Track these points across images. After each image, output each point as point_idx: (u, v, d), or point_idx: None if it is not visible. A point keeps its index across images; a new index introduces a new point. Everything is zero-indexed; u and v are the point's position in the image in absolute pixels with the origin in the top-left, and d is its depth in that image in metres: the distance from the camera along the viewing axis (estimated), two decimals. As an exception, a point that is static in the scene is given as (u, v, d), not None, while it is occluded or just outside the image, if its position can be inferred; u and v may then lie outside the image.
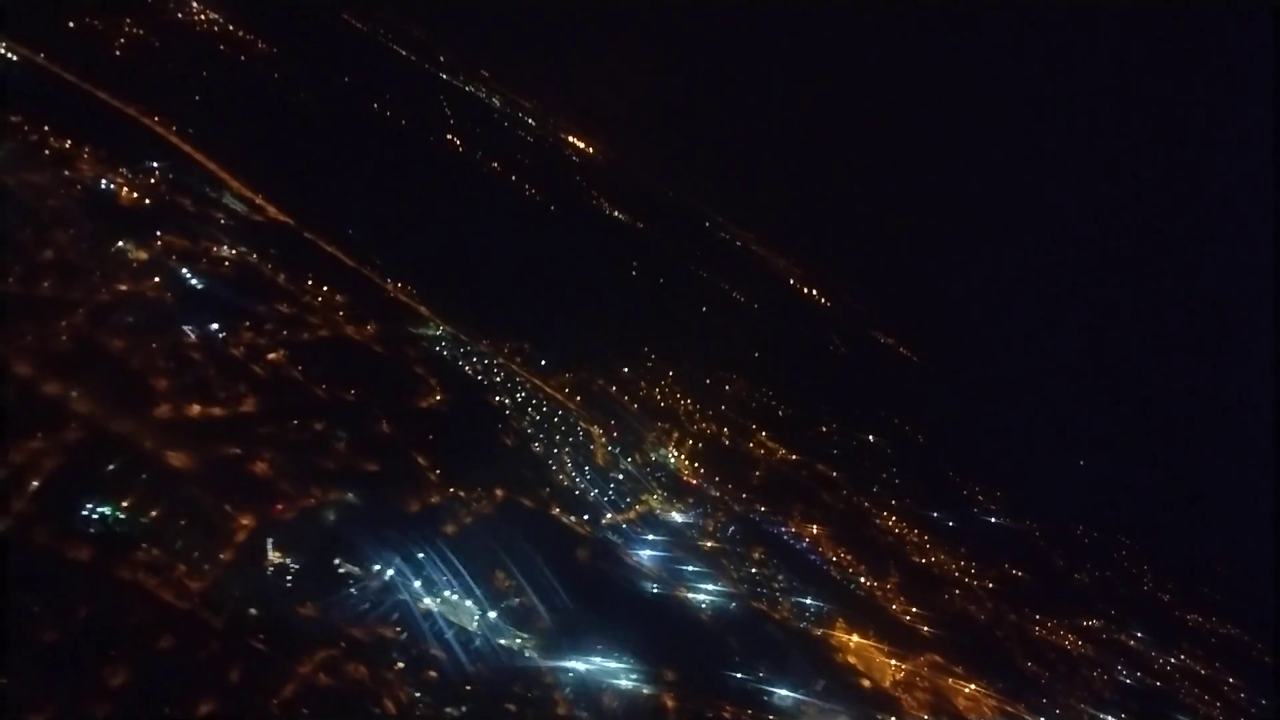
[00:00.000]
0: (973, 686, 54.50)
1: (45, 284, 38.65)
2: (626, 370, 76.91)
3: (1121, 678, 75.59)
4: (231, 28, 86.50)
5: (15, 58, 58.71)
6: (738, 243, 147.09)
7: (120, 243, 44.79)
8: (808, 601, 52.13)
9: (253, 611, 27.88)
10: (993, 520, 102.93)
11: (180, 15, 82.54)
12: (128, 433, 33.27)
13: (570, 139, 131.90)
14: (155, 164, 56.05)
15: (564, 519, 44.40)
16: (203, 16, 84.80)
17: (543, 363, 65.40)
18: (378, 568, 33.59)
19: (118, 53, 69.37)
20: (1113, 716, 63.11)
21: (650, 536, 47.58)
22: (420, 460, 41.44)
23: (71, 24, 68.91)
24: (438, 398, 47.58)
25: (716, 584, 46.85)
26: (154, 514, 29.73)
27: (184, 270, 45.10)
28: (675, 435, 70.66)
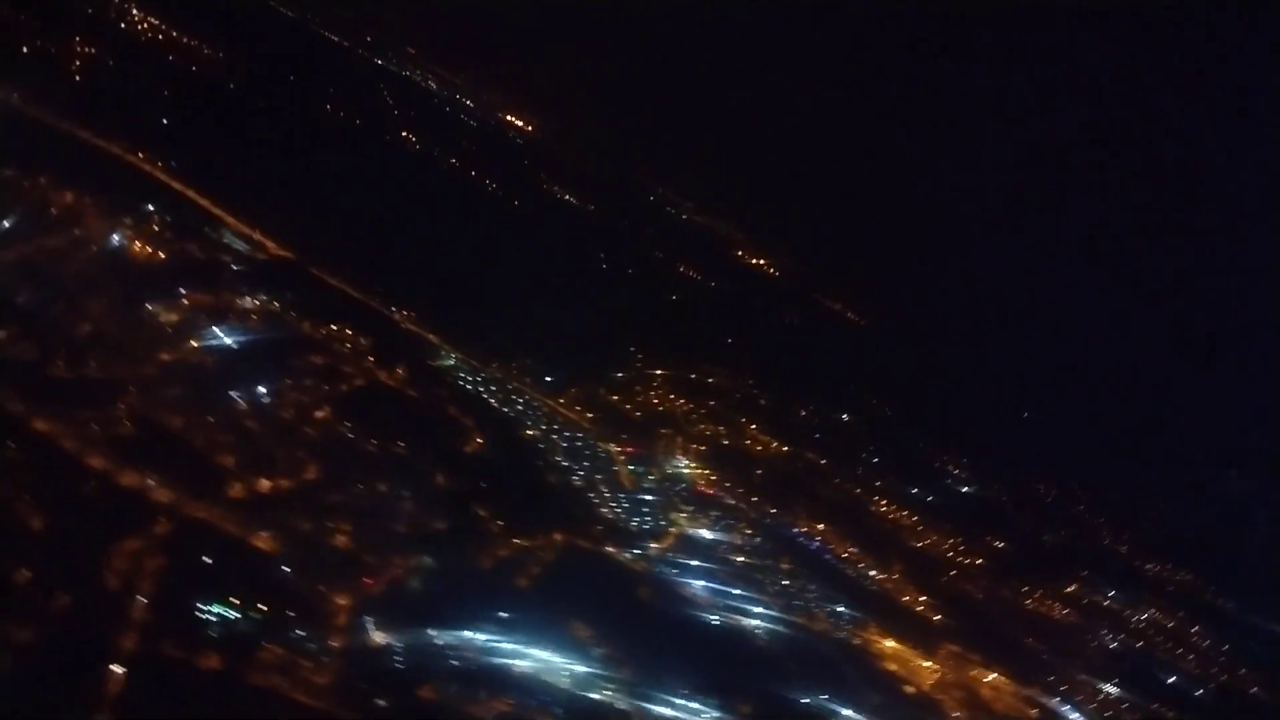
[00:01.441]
0: (993, 675, 57.84)
1: (92, 363, 38.25)
2: (621, 375, 77.82)
3: (1107, 642, 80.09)
4: (175, 34, 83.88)
5: (-8, 100, 56.70)
6: (683, 215, 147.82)
7: (148, 305, 44.26)
8: (840, 609, 54.56)
9: (381, 703, 28.68)
10: (964, 490, 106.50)
11: (123, 25, 79.80)
12: (211, 519, 33.50)
13: (508, 117, 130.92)
14: (151, 208, 54.95)
15: (619, 556, 45.77)
16: (145, 25, 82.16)
17: (548, 379, 66.19)
18: (469, 634, 34.56)
19: (78, 78, 67.18)
20: (1111, 685, 67.29)
21: (694, 563, 49.24)
22: (481, 512, 42.30)
23: (25, 49, 66.42)
24: (479, 440, 48.33)
25: (762, 605, 48.85)
26: (263, 607, 30.12)
27: (216, 329, 44.81)
28: (679, 440, 72.05)
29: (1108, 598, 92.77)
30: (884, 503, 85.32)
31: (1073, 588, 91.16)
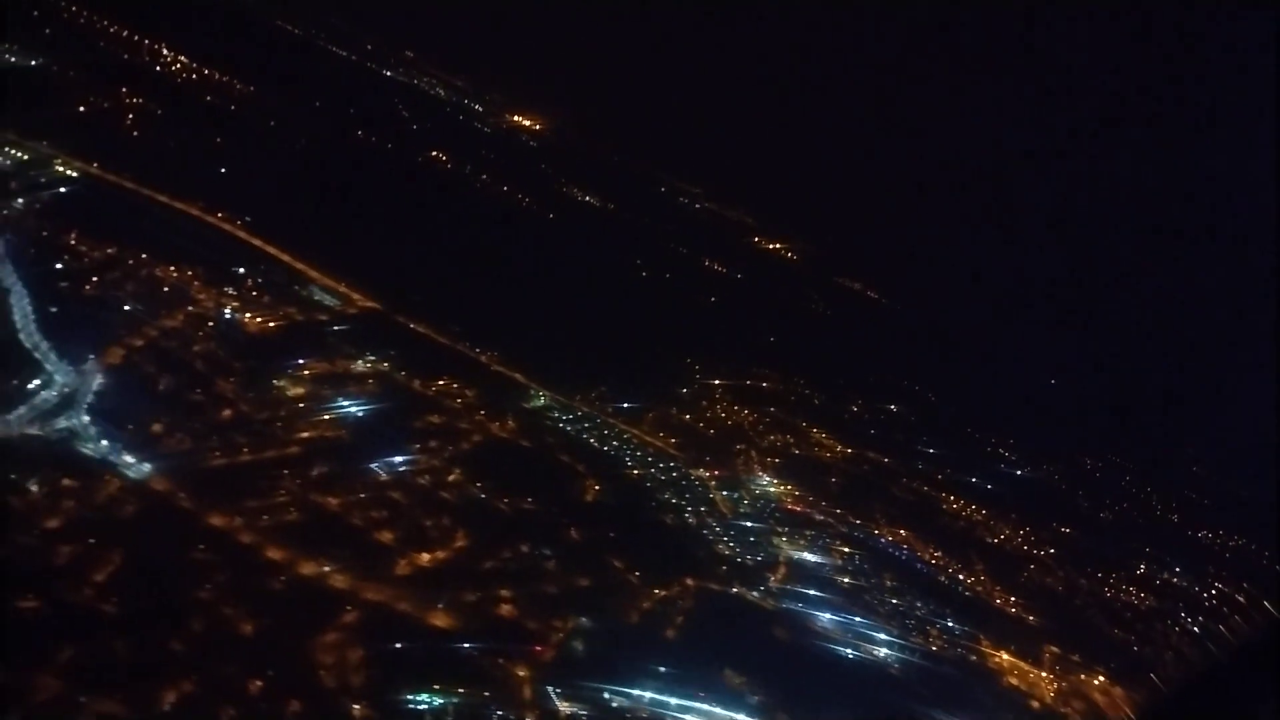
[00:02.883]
0: (1100, 678, 59.60)
1: (245, 450, 39.79)
2: (685, 391, 79.58)
3: (1189, 626, 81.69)
4: (206, 70, 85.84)
5: (75, 173, 58.25)
6: (697, 205, 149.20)
7: (275, 381, 45.82)
8: (950, 624, 56.27)
9: (587, 775, 30.37)
10: (1018, 474, 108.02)
11: (158, 68, 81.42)
12: (388, 600, 35.16)
13: (514, 117, 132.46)
14: (243, 270, 56.55)
15: (748, 596, 47.45)
16: (178, 64, 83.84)
17: (625, 405, 67.82)
18: (637, 691, 36.22)
19: (135, 133, 68.79)
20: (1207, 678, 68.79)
21: (812, 592, 50.92)
22: (617, 564, 43.95)
23: (82, 108, 68.00)
24: (597, 488, 50.05)
25: (884, 631, 50.58)
26: (461, 691, 31.79)
27: (341, 400, 46.41)
28: (754, 455, 73.82)
29: (1175, 574, 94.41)
30: (951, 498, 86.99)
31: (1141, 568, 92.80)
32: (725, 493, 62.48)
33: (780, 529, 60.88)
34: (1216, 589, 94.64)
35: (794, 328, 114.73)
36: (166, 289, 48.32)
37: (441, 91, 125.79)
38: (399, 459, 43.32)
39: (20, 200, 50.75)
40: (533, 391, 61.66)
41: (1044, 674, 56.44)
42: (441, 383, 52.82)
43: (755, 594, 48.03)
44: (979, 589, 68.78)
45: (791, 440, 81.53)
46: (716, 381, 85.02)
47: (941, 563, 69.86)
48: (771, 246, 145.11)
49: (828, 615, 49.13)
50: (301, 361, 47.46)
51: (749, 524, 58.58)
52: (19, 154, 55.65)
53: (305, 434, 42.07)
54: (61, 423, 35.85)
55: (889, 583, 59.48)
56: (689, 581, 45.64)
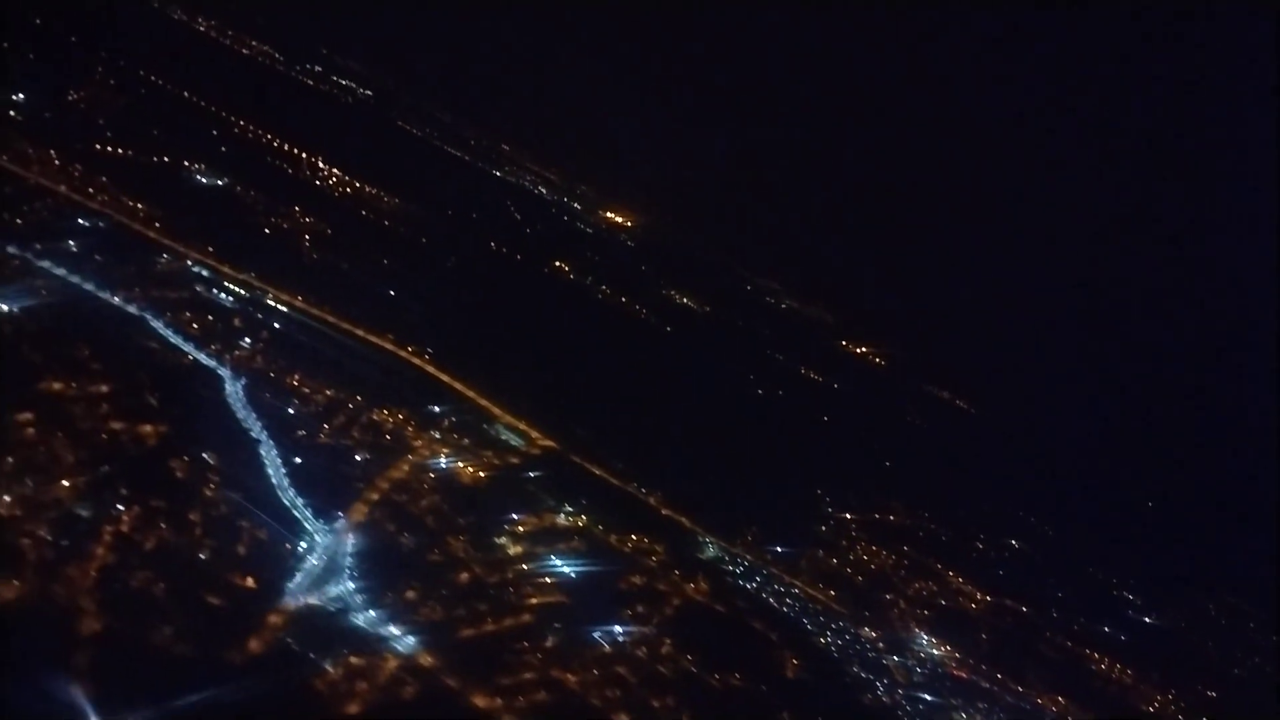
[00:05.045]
0: None
1: (488, 620, 41.53)
2: (824, 530, 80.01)
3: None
4: (356, 183, 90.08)
5: (285, 308, 61.98)
6: (782, 304, 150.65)
7: (496, 539, 47.80)
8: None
9: None
10: (1147, 620, 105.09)
11: (318, 181, 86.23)
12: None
13: (608, 214, 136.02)
14: (438, 409, 59.23)
15: (957, 790, 47.34)
16: (334, 178, 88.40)
17: (779, 549, 68.60)
18: None
19: (315, 255, 72.68)
20: None
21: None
22: (832, 755, 44.34)
23: (266, 230, 72.38)
24: (794, 661, 50.76)
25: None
26: None
27: (553, 559, 48.16)
28: (903, 605, 73.67)
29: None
30: (1094, 654, 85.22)
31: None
32: (895, 658, 62.68)
33: (954, 701, 60.85)
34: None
35: (900, 447, 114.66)
36: (387, 436, 50.94)
37: (543, 190, 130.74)
38: (617, 628, 44.72)
39: (248, 340, 54.10)
40: (701, 539, 62.98)
41: None
42: (634, 538, 54.37)
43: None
44: (1142, 768, 67.27)
45: (935, 589, 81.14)
46: (849, 515, 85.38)
47: (1105, 740, 68.65)
48: (858, 350, 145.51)
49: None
50: (516, 517, 49.46)
51: (928, 696, 58.72)
52: (239, 290, 59.47)
53: (533, 599, 43.76)
54: (332, 590, 37.95)
55: (1066, 771, 58.74)
56: (901, 774, 45.74)
